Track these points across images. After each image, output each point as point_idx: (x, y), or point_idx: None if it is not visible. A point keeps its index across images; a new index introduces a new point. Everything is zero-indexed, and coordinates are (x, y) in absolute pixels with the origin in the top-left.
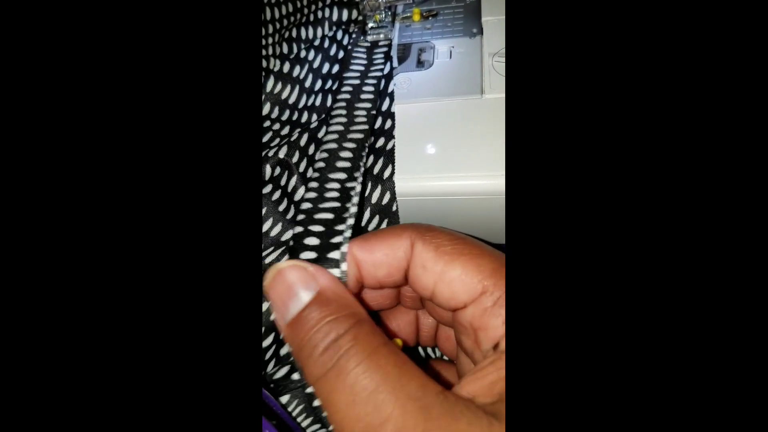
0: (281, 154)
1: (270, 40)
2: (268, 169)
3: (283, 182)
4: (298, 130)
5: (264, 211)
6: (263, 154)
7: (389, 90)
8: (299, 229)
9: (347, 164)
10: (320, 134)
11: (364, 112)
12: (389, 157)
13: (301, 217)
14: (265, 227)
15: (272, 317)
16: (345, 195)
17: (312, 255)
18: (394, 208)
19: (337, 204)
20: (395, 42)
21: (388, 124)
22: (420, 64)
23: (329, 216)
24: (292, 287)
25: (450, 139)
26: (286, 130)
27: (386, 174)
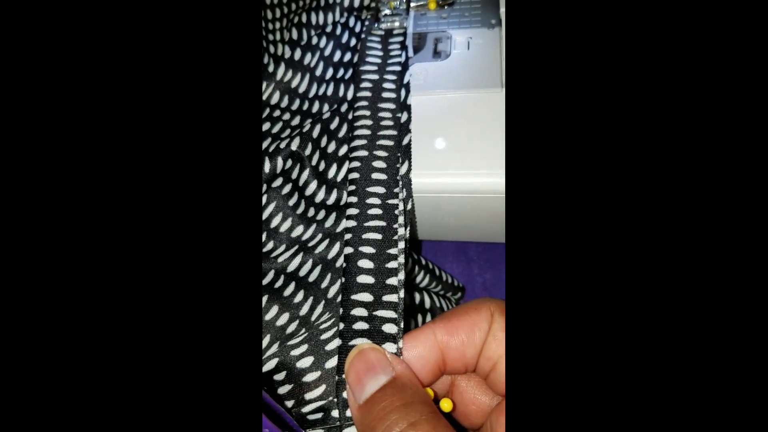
0: (293, 146)
1: (277, 25)
2: (279, 161)
3: (294, 176)
4: (310, 120)
5: (273, 205)
6: (275, 146)
7: (405, 81)
8: (350, 249)
9: (383, 176)
10: (333, 126)
11: (389, 114)
12: (405, 153)
13: (348, 236)
14: (275, 222)
15: (344, 394)
16: (389, 213)
17: (370, 280)
18: (409, 206)
19: (382, 223)
20: (410, 31)
21: (405, 117)
22: (436, 54)
23: (377, 236)
24: (371, 368)
25: (469, 134)
26: (296, 121)
27: (402, 170)
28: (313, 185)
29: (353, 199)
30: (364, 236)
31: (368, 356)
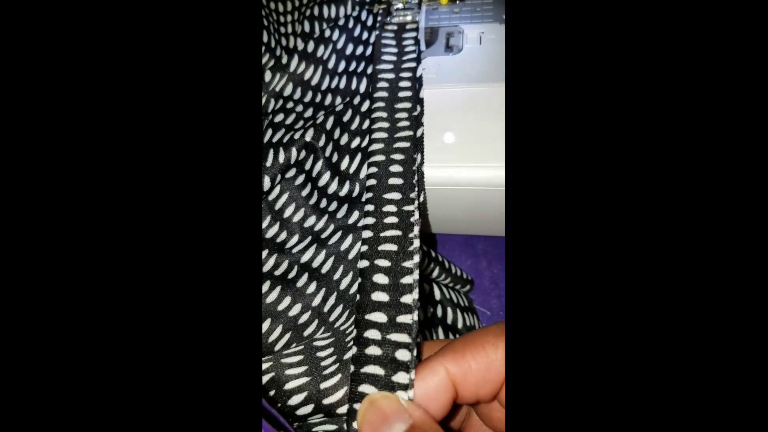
0: (307, 137)
1: (289, 18)
2: (293, 152)
3: (307, 167)
4: (323, 112)
5: (287, 196)
6: (289, 136)
7: (418, 73)
8: (365, 263)
9: (399, 180)
10: (346, 118)
11: (405, 114)
12: (418, 145)
13: (364, 248)
14: (288, 213)
15: (354, 424)
16: (404, 221)
17: (384, 297)
18: (422, 198)
19: (398, 232)
20: (422, 25)
21: (417, 110)
22: (448, 48)
23: (393, 248)
24: (386, 418)
25: (479, 127)
26: (309, 112)
27: (417, 160)
28: (326, 176)
29: (370, 208)
30: (380, 248)
31: (381, 406)
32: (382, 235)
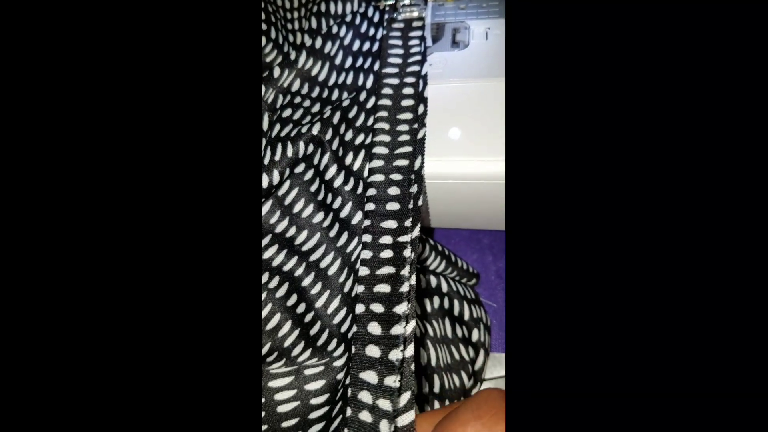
0: (315, 131)
1: (296, 14)
2: (301, 145)
3: (315, 161)
4: (329, 107)
5: (296, 191)
6: (296, 131)
7: (423, 72)
8: (361, 308)
9: (396, 206)
10: (351, 114)
11: (406, 127)
12: (420, 147)
13: (360, 288)
14: (297, 208)
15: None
16: (399, 257)
17: (377, 353)
18: (420, 202)
19: (392, 270)
20: (428, 21)
21: (421, 109)
22: (455, 44)
23: (386, 289)
24: None
25: (486, 121)
26: (316, 108)
27: (416, 165)
28: (333, 169)
29: (367, 239)
30: (375, 289)
31: None
32: (377, 273)
